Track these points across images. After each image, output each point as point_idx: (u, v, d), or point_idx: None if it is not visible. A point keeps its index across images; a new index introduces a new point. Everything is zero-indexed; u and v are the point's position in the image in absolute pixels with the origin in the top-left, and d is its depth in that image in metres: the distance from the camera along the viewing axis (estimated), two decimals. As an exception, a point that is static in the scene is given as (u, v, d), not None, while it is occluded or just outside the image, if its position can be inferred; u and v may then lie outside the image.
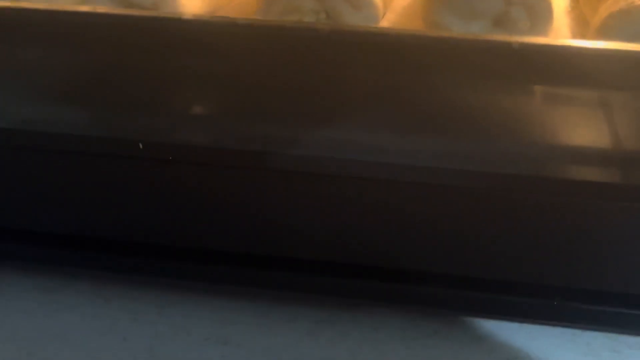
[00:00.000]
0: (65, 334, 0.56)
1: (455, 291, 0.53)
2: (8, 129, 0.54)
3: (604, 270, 0.52)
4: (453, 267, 0.53)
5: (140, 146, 0.52)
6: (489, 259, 0.53)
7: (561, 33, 0.58)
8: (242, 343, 0.55)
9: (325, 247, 0.54)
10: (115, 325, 0.57)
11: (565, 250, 0.51)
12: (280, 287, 0.56)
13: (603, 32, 0.51)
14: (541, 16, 0.54)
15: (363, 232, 0.53)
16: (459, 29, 0.56)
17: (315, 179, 0.51)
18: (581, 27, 0.59)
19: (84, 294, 0.59)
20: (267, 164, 0.51)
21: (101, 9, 0.55)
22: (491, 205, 0.50)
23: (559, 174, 0.48)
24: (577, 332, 0.56)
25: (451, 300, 0.54)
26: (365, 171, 0.49)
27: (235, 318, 0.57)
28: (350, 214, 0.52)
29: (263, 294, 0.58)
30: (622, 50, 0.45)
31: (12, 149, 0.55)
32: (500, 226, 0.51)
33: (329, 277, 0.54)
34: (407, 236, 0.52)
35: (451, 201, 0.50)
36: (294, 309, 0.57)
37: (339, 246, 0.54)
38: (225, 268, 0.55)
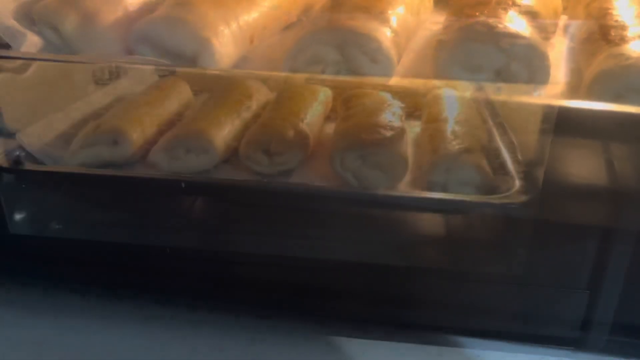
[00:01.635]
0: (110, 350, 0.63)
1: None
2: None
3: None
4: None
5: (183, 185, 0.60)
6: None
7: (558, 83, 0.64)
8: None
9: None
10: (154, 342, 0.64)
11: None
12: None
13: (593, 90, 0.57)
14: (539, 71, 0.60)
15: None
16: (465, 78, 0.62)
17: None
18: (576, 78, 0.64)
19: (129, 314, 0.66)
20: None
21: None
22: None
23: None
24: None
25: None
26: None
27: (262, 337, 0.64)
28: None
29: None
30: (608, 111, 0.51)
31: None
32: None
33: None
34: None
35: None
36: (313, 328, 0.65)
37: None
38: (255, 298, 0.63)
